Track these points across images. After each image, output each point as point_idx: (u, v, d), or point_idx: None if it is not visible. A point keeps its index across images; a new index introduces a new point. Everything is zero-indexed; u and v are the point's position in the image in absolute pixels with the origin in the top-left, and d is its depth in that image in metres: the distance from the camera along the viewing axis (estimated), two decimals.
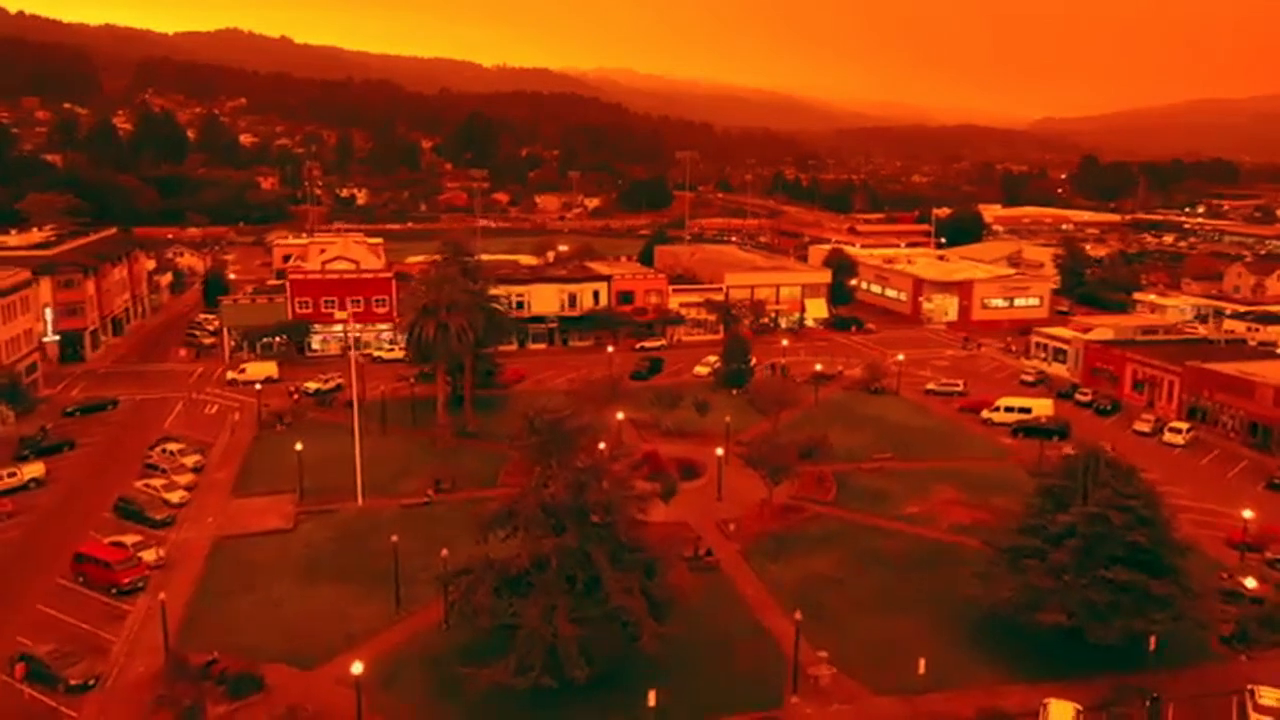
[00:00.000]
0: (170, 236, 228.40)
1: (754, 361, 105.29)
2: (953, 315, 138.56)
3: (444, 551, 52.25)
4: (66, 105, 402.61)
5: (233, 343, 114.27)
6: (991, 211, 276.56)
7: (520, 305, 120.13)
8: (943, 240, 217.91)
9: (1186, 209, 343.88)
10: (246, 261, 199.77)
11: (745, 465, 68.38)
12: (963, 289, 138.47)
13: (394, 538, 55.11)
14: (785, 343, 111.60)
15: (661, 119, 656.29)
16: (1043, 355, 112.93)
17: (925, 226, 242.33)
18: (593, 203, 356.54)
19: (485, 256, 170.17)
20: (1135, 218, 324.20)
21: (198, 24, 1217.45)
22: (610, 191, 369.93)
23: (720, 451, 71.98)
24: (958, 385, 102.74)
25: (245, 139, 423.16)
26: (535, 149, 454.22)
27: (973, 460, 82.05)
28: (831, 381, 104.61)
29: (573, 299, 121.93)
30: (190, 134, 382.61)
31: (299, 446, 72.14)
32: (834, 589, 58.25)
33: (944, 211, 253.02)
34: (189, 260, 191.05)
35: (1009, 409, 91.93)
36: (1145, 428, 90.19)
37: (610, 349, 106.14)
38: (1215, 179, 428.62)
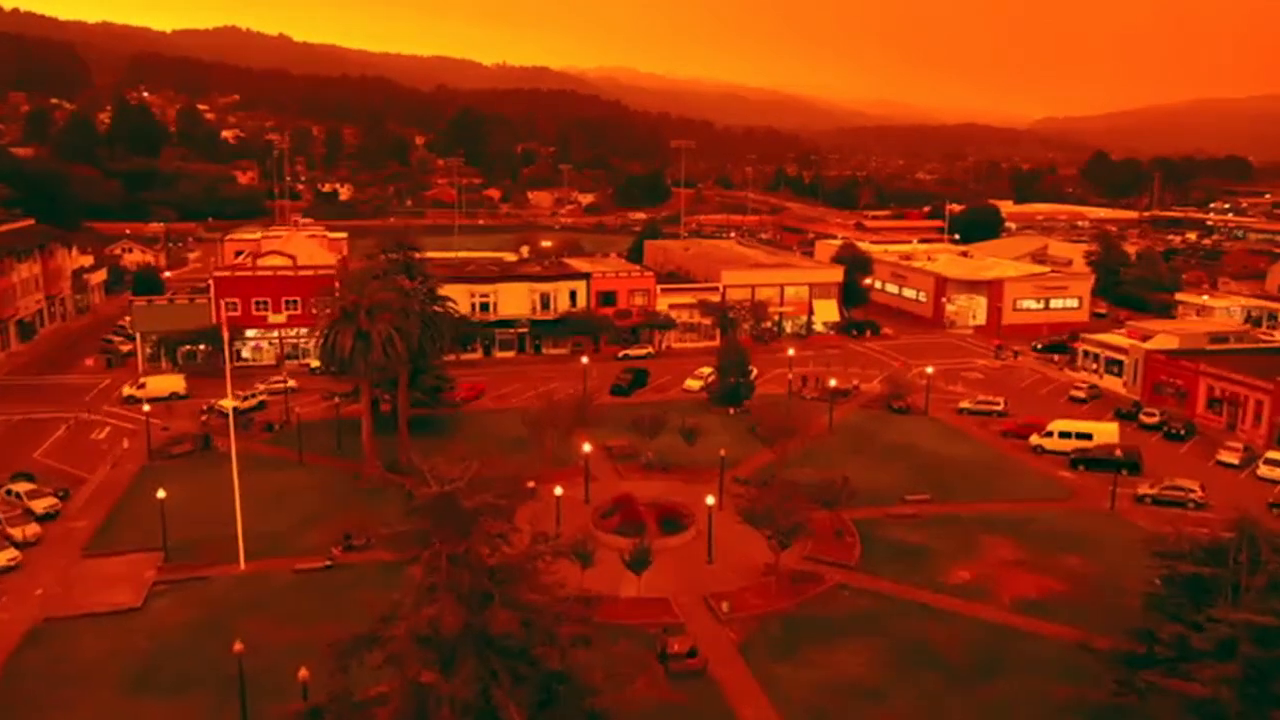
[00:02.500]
0: (127, 231, 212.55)
1: (754, 374, 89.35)
2: (981, 319, 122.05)
3: (303, 672, 35.99)
4: (54, 100, 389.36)
5: (149, 351, 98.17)
6: (1004, 208, 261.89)
7: (485, 307, 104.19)
8: (956, 236, 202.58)
9: (1213, 205, 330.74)
10: (210, 259, 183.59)
11: (744, 521, 51.97)
12: (992, 289, 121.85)
13: (238, 645, 38.64)
14: (791, 351, 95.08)
15: (661, 116, 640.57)
16: (1094, 366, 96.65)
17: (937, 222, 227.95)
18: (587, 199, 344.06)
19: (464, 253, 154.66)
20: (1154, 214, 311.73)
21: (196, 21, 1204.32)
22: (606, 187, 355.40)
23: (711, 500, 55.53)
24: (997, 404, 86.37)
25: (230, 134, 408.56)
26: (532, 145, 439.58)
27: (1028, 502, 65.76)
28: (847, 398, 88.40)
29: (545, 300, 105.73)
30: (174, 128, 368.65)
31: (161, 494, 55.67)
32: (867, 703, 42.04)
33: (957, 207, 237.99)
34: (138, 257, 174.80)
35: (1065, 434, 75.64)
36: (1233, 458, 73.78)
37: (585, 359, 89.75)
38: (1228, 176, 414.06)
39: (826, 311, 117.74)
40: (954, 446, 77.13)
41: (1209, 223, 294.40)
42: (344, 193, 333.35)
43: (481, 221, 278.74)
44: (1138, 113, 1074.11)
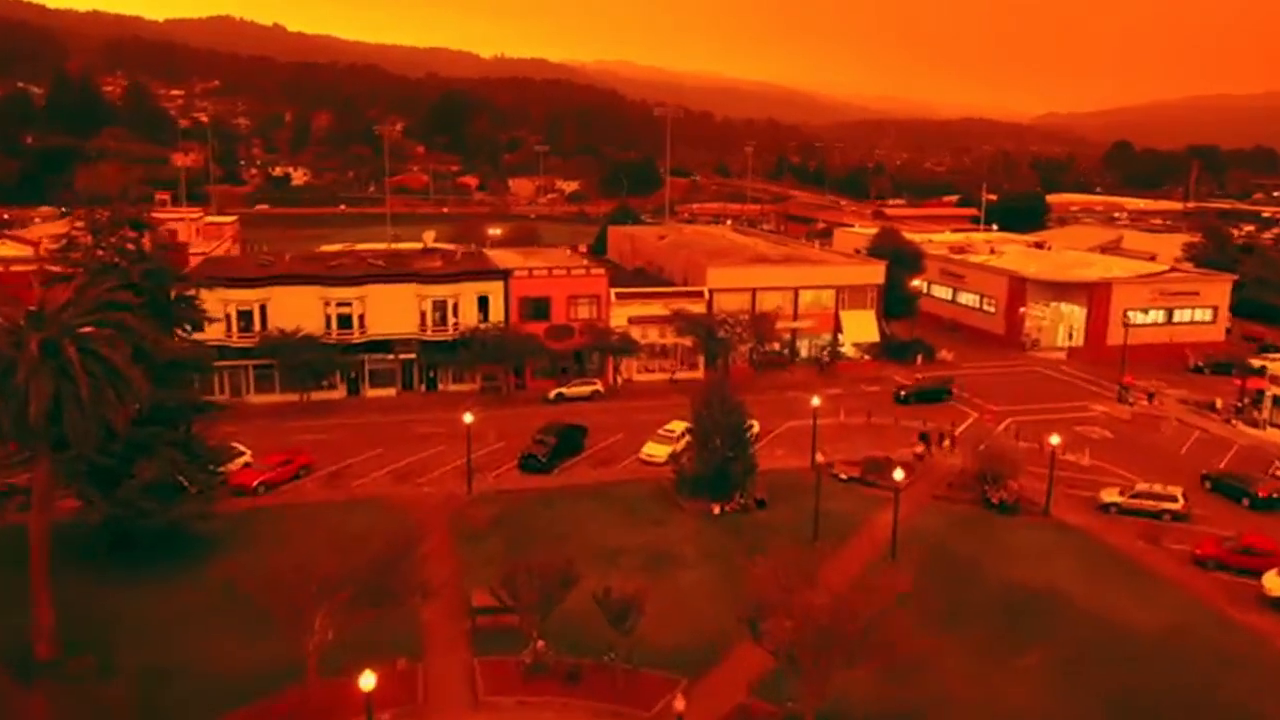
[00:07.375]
0: (5, 216, 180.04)
1: (754, 431, 53.58)
2: (1078, 337, 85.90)
3: None
4: (20, 85, 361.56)
5: None
6: None
7: (347, 322, 68.72)
8: (994, 227, 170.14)
9: (1277, 193, 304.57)
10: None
11: None
12: (1095, 294, 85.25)
13: None
14: (816, 400, 58.75)
15: (658, 106, 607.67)
16: None
17: (970, 210, 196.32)
18: (571, 186, 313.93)
19: (404, 245, 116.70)
20: (1198, 206, 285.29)
21: (189, 10, 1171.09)
22: (592, 175, 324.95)
23: None
24: (1172, 498, 50.67)
25: (187, 117, 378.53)
26: (520, 134, 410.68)
27: None
28: (908, 482, 52.53)
29: (442, 310, 70.15)
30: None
31: None
32: None
33: (992, 196, 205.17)
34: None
35: None
36: None
37: (468, 416, 53.52)
38: (1255, 168, 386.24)
39: (860, 326, 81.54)
40: (1121, 596, 41.46)
41: (1264, 214, 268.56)
42: (299, 177, 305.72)
43: (446, 210, 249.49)
44: (1141, 108, 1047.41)
